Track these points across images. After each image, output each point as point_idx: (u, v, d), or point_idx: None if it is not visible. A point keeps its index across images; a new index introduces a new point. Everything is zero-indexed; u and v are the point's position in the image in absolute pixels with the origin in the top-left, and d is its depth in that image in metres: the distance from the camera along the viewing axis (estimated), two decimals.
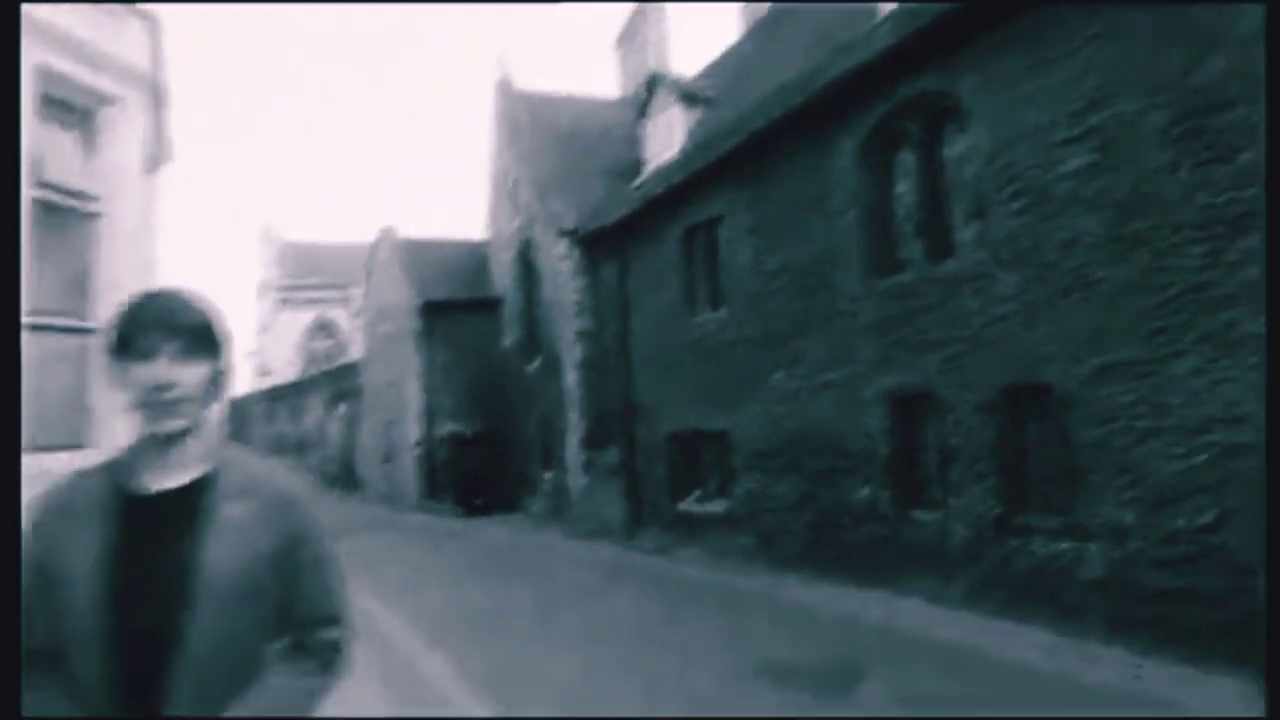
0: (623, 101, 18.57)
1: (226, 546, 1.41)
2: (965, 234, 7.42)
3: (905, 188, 8.32)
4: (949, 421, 7.48)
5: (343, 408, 26.97)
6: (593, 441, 14.06)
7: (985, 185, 7.15)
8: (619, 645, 6.61)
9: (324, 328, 39.44)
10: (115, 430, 5.89)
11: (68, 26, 5.80)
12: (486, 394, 20.02)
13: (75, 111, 6.29)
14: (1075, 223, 6.31)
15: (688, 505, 11.77)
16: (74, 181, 5.77)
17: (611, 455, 13.71)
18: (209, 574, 1.38)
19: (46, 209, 5.27)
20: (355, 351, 29.50)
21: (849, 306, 8.68)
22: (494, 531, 15.28)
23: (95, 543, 1.39)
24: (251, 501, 1.46)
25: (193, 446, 1.48)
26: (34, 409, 5.02)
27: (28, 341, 5.04)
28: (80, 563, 1.38)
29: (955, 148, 7.62)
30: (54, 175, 5.45)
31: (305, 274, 39.05)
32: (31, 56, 5.24)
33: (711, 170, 10.95)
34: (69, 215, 5.62)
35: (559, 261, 14.58)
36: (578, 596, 8.94)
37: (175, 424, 1.41)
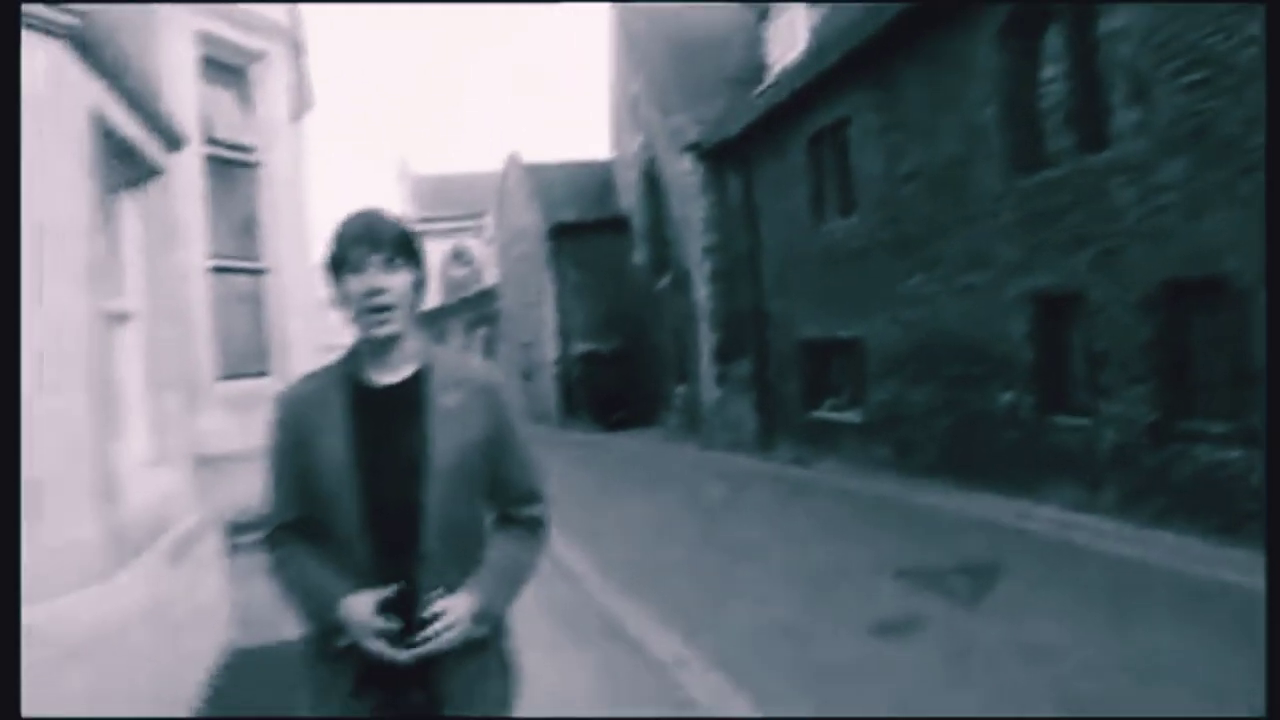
0: (743, 5, 17.83)
1: (446, 431, 1.60)
2: (1123, 120, 6.80)
3: (1053, 73, 7.68)
4: (1099, 322, 7.07)
5: (482, 331, 28.37)
6: (724, 354, 14.20)
7: (1146, 63, 6.50)
8: (754, 548, 6.90)
9: (460, 256, 41.08)
10: (290, 358, 6.60)
11: None
12: (619, 312, 20.48)
13: (232, 71, 6.85)
14: (1261, 96, 5.63)
15: (821, 415, 11.80)
16: (235, 136, 6.33)
17: (743, 367, 13.83)
18: (434, 455, 1.58)
19: (215, 163, 5.83)
20: (490, 278, 30.72)
21: (989, 206, 8.23)
22: (630, 445, 15.93)
23: (339, 426, 1.60)
24: (461, 392, 1.65)
25: (405, 347, 1.65)
26: (221, 343, 5.71)
27: (211, 284, 5.70)
28: (328, 443, 1.59)
29: (1111, 22, 6.92)
30: (220, 132, 5.99)
31: (439, 206, 40.54)
32: (192, 24, 5.72)
33: (837, 70, 10.46)
34: (234, 167, 6.19)
35: (683, 177, 14.50)
36: (713, 503, 9.31)
37: (388, 329, 1.59)
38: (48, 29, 2.99)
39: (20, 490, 1.84)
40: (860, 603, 5.20)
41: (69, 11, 3.00)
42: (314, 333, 8.80)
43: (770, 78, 13.60)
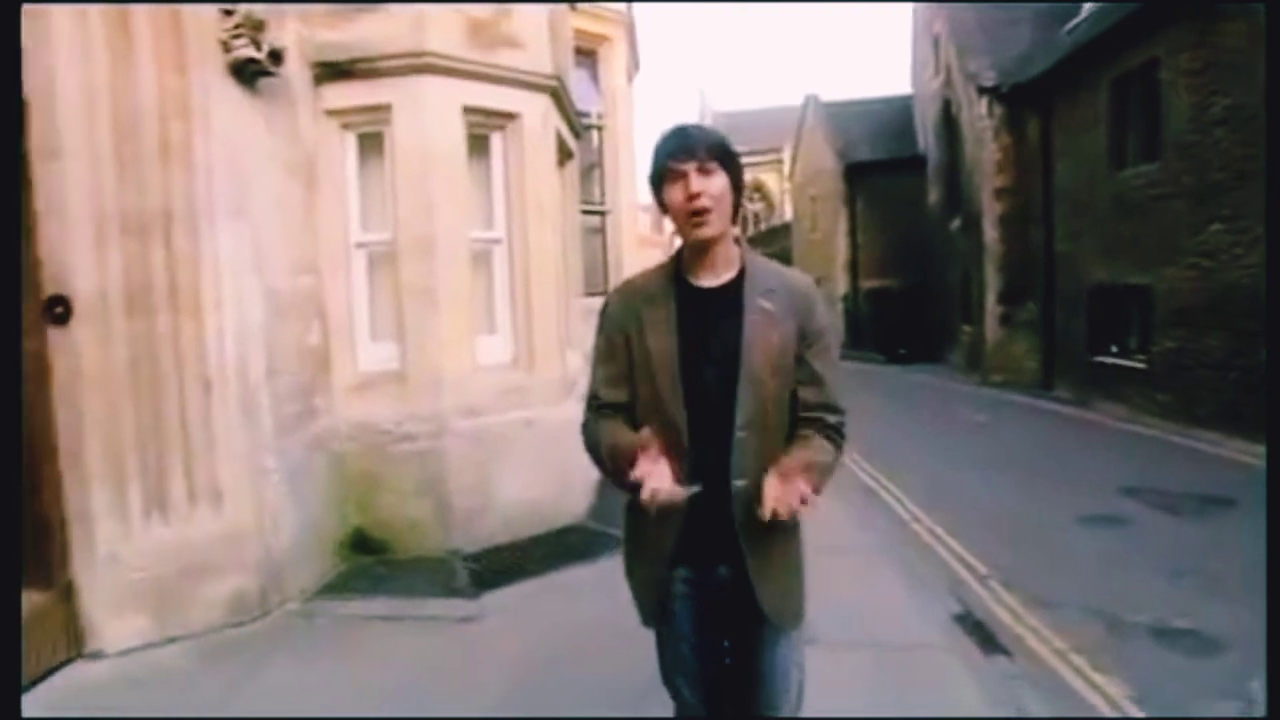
0: None
1: (762, 330, 1.71)
2: None
3: None
4: None
5: None
6: (1009, 296, 14.50)
7: None
8: (999, 460, 7.98)
9: (756, 190, 42.74)
10: (620, 278, 9.19)
11: None
12: (910, 250, 20.95)
13: (585, 54, 9.31)
14: None
15: (1104, 359, 11.91)
16: (587, 105, 8.59)
17: (1028, 309, 14.09)
18: (750, 351, 1.69)
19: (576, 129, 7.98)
20: (785, 213, 32.07)
21: None
22: (911, 377, 16.82)
23: (666, 321, 1.73)
24: (778, 295, 1.75)
25: (726, 251, 1.76)
26: (584, 267, 8.02)
27: (581, 222, 8.04)
28: (655, 336, 1.73)
29: None
30: (580, 103, 8.13)
31: (736, 142, 41.64)
32: (570, 22, 7.76)
33: (1152, 7, 10.25)
34: (587, 130, 8.40)
35: (979, 120, 14.71)
36: (976, 426, 10.27)
37: (707, 231, 1.69)
38: (542, 86, 5.19)
39: (20, 487, 1.85)
40: (1076, 504, 6.21)
41: (553, 79, 5.18)
42: (641, 262, 11.47)
43: (1083, 13, 13.23)
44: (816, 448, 1.71)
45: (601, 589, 3.63)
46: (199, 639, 3.68)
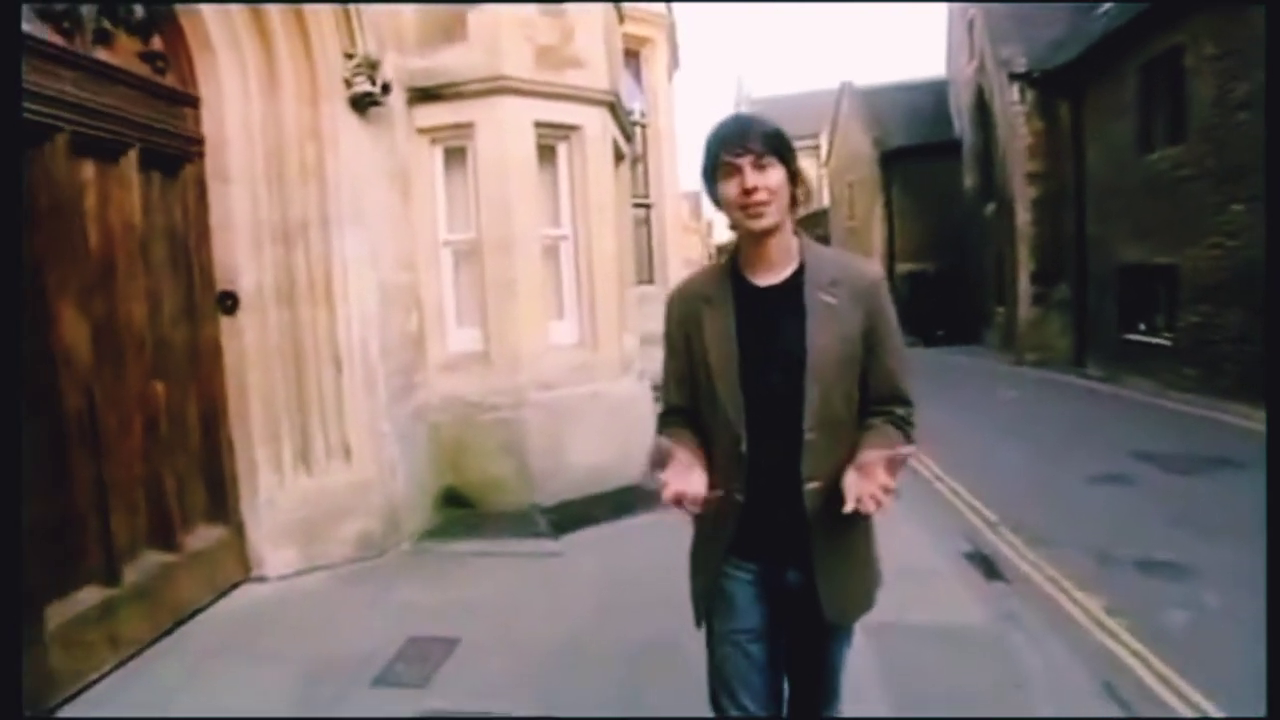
0: None
1: (826, 327, 1.65)
2: None
3: None
4: None
5: None
6: (1042, 277, 14.91)
7: None
8: (1024, 429, 8.56)
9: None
10: (667, 270, 9.82)
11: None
12: (945, 234, 21.30)
13: (630, 54, 10.06)
14: None
15: (1133, 337, 12.32)
16: (630, 103, 9.29)
17: (1060, 290, 14.51)
18: (814, 350, 1.64)
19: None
20: (822, 198, 32.43)
21: None
22: (947, 358, 17.28)
23: (725, 322, 1.71)
24: (841, 287, 1.69)
25: (785, 243, 1.70)
26: (633, 259, 8.72)
27: (630, 215, 8.75)
28: (715, 338, 1.71)
29: None
30: (625, 102, 8.80)
31: None
32: (617, 25, 8.42)
33: None
34: (633, 128, 9.09)
35: (1011, 105, 15.08)
36: (1005, 400, 10.80)
37: (763, 222, 1.63)
38: (600, 100, 5.92)
39: (20, 487, 1.96)
40: (1089, 466, 6.81)
41: (610, 94, 5.91)
42: (681, 249, 12.26)
43: None
44: (890, 439, 1.64)
45: (662, 532, 4.35)
46: (336, 569, 4.54)
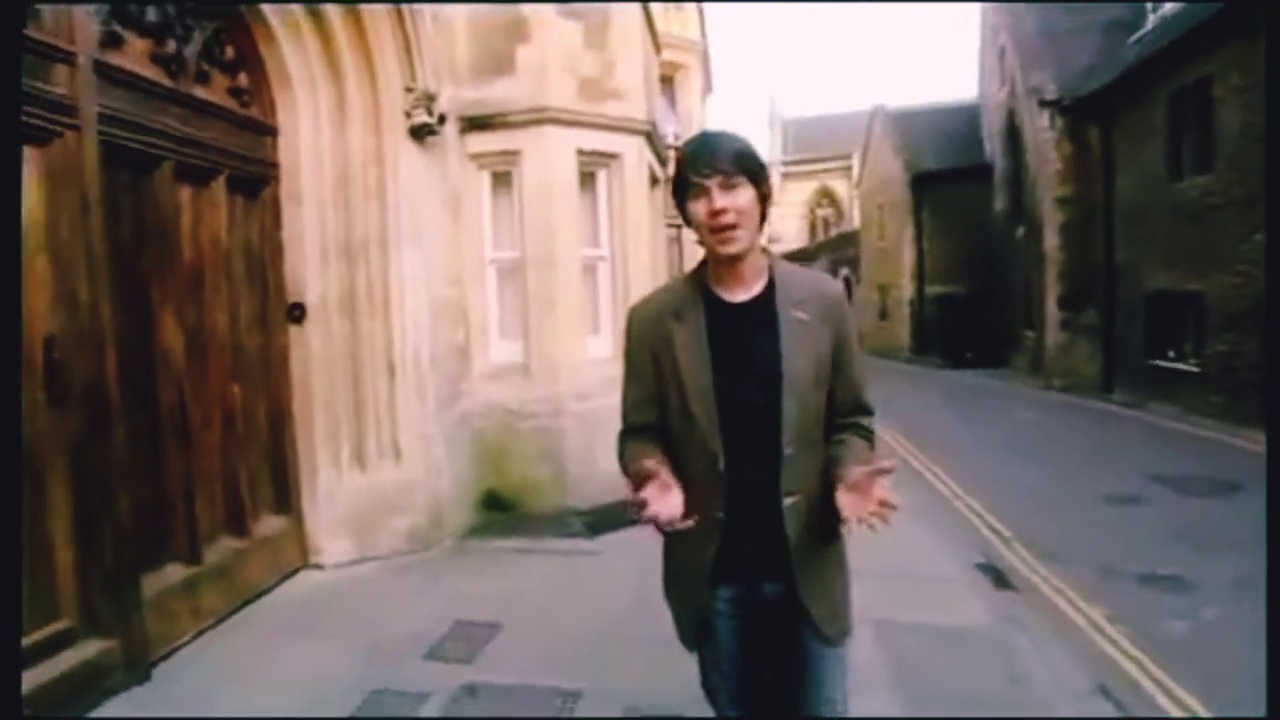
0: None
1: (801, 342, 1.67)
2: None
3: None
4: None
5: (844, 271, 30.58)
6: (1069, 302, 15.00)
7: None
8: (1045, 452, 8.73)
9: (825, 195, 43.30)
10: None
11: (664, 28, 9.68)
12: (975, 257, 21.40)
13: (663, 80, 10.46)
14: None
15: (1160, 363, 12.39)
16: (665, 126, 9.64)
17: (1088, 315, 14.60)
18: (791, 365, 1.66)
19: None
20: (854, 219, 32.66)
21: None
22: (974, 380, 17.39)
23: (696, 338, 1.69)
24: (810, 305, 1.70)
25: (754, 262, 1.70)
26: (666, 277, 9.04)
27: (663, 234, 9.07)
28: (685, 353, 1.68)
29: None
30: (661, 127, 9.19)
31: (806, 148, 42.82)
32: (655, 56, 8.84)
33: (1209, 26, 10.78)
34: (666, 152, 9.44)
35: (1041, 131, 15.25)
36: (1027, 422, 10.95)
37: (733, 248, 1.63)
38: (638, 130, 6.30)
39: (21, 488, 1.87)
40: (1103, 486, 6.99)
41: (647, 124, 6.29)
42: None
43: (1150, 23, 13.70)
44: (865, 453, 1.68)
45: None
46: (386, 560, 4.91)
